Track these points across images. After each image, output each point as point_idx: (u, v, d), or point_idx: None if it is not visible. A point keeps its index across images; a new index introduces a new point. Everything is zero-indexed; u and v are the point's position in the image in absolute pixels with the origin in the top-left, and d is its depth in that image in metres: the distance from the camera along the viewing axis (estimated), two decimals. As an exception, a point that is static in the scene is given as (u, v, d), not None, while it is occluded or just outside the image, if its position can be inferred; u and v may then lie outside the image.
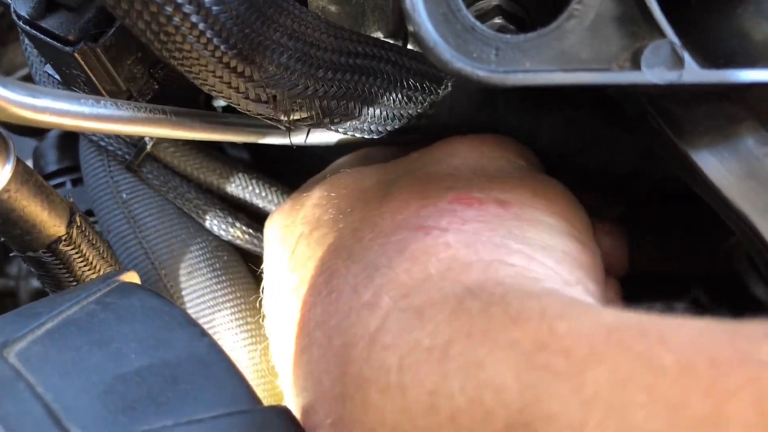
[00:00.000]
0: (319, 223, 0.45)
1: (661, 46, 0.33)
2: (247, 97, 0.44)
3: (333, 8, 0.53)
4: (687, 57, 0.33)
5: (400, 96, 0.49)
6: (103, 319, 0.37)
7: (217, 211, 0.62)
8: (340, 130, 0.50)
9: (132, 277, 0.41)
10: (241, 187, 0.63)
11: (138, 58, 0.48)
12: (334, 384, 0.33)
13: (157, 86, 0.51)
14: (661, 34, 0.33)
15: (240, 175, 0.63)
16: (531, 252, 0.35)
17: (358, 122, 0.50)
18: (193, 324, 0.37)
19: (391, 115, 0.50)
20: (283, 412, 0.34)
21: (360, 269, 0.37)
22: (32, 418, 0.31)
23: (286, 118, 0.46)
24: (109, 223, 0.61)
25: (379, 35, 0.54)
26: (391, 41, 0.50)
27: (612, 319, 0.27)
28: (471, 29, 0.34)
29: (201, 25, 0.39)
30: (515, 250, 0.35)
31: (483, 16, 0.47)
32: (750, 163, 0.37)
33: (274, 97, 0.44)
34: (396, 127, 0.51)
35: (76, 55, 0.44)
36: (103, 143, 0.60)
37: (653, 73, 0.33)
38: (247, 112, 0.46)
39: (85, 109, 0.38)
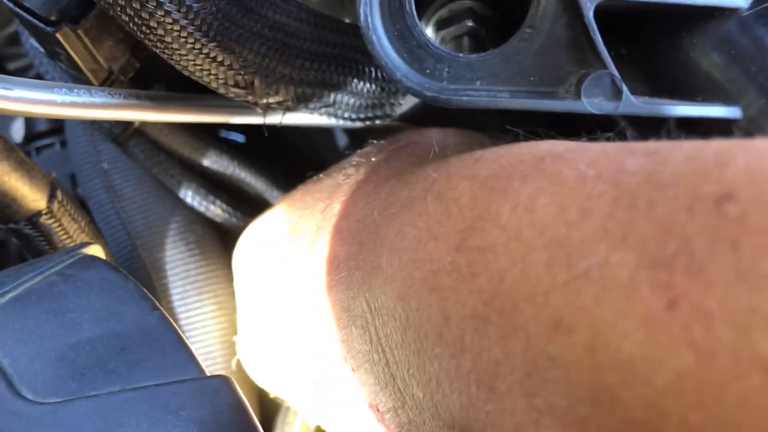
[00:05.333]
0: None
1: (602, 76, 0.35)
2: (225, 83, 0.46)
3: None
4: (626, 89, 0.35)
5: (373, 86, 0.51)
6: (62, 290, 0.39)
7: (199, 188, 0.64)
8: (314, 114, 0.52)
9: (95, 250, 0.43)
10: (223, 167, 0.65)
11: (119, 39, 0.49)
12: None
13: (138, 65, 0.53)
14: (603, 64, 0.35)
15: (223, 155, 0.65)
16: None
17: (332, 108, 0.52)
18: (145, 297, 0.39)
19: (365, 103, 0.52)
20: (226, 381, 0.36)
21: None
22: (-13, 381, 0.34)
23: (262, 102, 0.48)
24: (89, 191, 0.63)
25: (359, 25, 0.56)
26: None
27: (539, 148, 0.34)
28: (425, 46, 0.36)
29: (182, 21, 0.41)
30: None
31: (455, 18, 0.48)
32: None
33: (252, 83, 0.46)
34: (369, 114, 0.53)
35: (57, 35, 0.45)
36: (89, 114, 0.62)
37: (592, 103, 0.35)
38: (224, 95, 0.48)
39: (57, 98, 0.40)
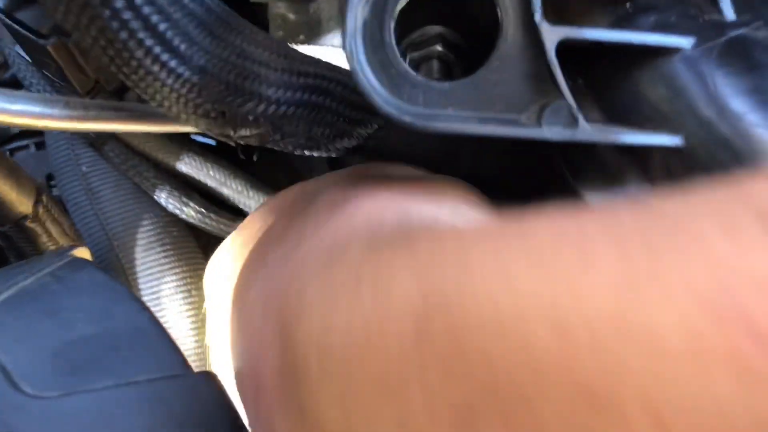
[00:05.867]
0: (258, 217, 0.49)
1: (561, 106, 0.39)
2: (195, 113, 0.45)
3: (292, 16, 0.57)
4: (581, 118, 0.39)
5: (350, 116, 0.51)
6: (54, 290, 0.42)
7: (173, 190, 0.66)
8: (288, 147, 0.52)
9: (83, 252, 0.46)
10: (196, 169, 0.68)
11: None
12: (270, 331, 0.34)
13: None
14: (562, 95, 0.39)
15: (196, 157, 0.67)
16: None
17: (307, 140, 0.51)
18: (134, 299, 0.42)
19: (339, 134, 0.52)
20: (211, 377, 0.39)
21: (292, 238, 0.39)
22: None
23: (234, 134, 0.48)
24: (68, 193, 0.65)
25: (335, 43, 0.59)
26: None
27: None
28: (404, 74, 0.39)
29: (148, 41, 0.40)
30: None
31: (425, 42, 0.52)
32: None
33: (223, 113, 0.46)
34: (344, 146, 0.53)
35: (49, 48, 0.47)
36: (68, 117, 0.64)
37: (551, 131, 0.38)
38: (195, 127, 0.47)
39: (56, 111, 0.42)
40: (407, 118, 0.38)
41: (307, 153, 0.53)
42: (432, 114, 0.39)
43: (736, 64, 0.41)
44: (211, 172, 0.68)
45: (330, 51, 0.59)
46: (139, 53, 0.41)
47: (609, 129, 0.40)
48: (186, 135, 0.69)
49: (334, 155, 0.54)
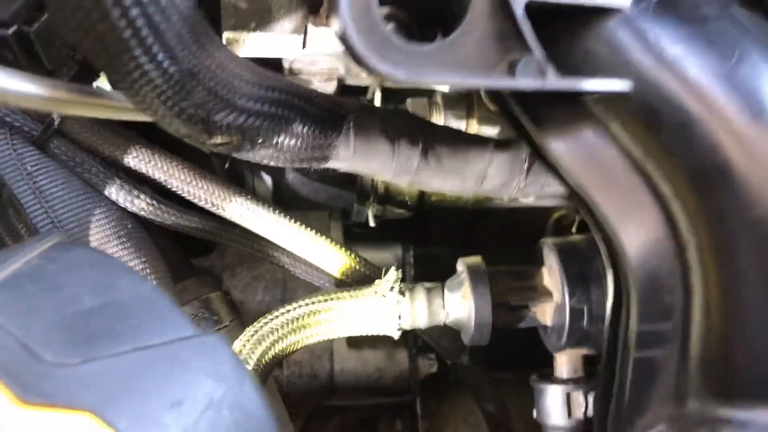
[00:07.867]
0: None
1: (531, 60, 0.43)
2: (179, 116, 0.47)
3: (243, 5, 0.59)
4: (549, 70, 0.43)
5: (312, 128, 0.55)
6: (51, 270, 0.42)
7: (123, 184, 0.66)
8: (257, 158, 0.54)
9: (63, 237, 0.46)
10: (143, 162, 0.68)
11: (65, 42, 0.51)
12: None
13: (77, 67, 0.55)
14: (530, 51, 0.43)
15: (142, 149, 0.67)
16: None
17: (275, 150, 0.54)
18: (132, 271, 0.43)
19: (305, 145, 0.55)
20: (221, 337, 0.41)
21: None
22: (7, 350, 0.36)
23: (208, 141, 0.50)
24: (14, 195, 0.63)
25: (284, 28, 0.61)
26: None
27: None
28: (388, 39, 0.42)
29: (149, 39, 0.41)
30: None
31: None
32: (589, 150, 0.47)
33: (203, 119, 0.48)
34: (310, 155, 0.56)
35: (10, 36, 0.47)
36: (8, 119, 0.63)
37: (524, 81, 0.43)
38: (170, 130, 0.49)
39: (25, 88, 0.42)
40: (401, 75, 0.41)
41: (273, 164, 0.55)
42: (418, 73, 0.42)
43: (669, 18, 0.46)
44: (158, 164, 0.68)
45: (281, 38, 0.61)
46: (138, 51, 0.41)
47: (571, 78, 0.45)
48: (132, 128, 0.69)
49: (297, 166, 0.56)
